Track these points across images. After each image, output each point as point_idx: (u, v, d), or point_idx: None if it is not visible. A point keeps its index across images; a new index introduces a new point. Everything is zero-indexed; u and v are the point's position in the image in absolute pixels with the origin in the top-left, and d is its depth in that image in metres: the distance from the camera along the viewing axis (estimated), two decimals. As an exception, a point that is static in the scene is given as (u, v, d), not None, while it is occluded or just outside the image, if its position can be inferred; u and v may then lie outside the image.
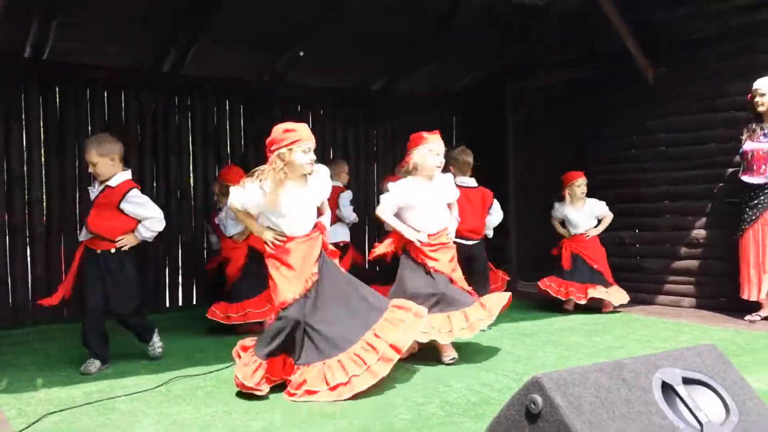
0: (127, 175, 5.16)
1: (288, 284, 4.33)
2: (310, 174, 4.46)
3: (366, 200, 9.26)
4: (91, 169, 5.05)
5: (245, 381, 4.16)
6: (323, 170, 4.62)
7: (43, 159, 7.34)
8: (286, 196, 4.35)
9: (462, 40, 8.40)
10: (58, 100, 7.39)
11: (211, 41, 7.43)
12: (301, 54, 7.95)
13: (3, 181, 7.07)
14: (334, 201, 7.41)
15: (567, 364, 4.86)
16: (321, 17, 7.39)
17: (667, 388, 2.62)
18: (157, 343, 5.35)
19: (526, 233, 9.36)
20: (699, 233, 7.43)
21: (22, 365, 5.19)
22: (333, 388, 4.12)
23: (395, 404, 4.05)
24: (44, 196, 7.24)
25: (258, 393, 4.17)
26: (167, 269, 8.09)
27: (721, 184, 7.22)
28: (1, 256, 7.07)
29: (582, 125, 8.67)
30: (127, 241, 5.05)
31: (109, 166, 5.03)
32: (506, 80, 9.41)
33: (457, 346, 5.21)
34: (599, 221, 7.68)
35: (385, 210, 5.24)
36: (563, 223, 7.77)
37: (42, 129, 7.31)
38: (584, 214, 7.63)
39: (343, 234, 7.64)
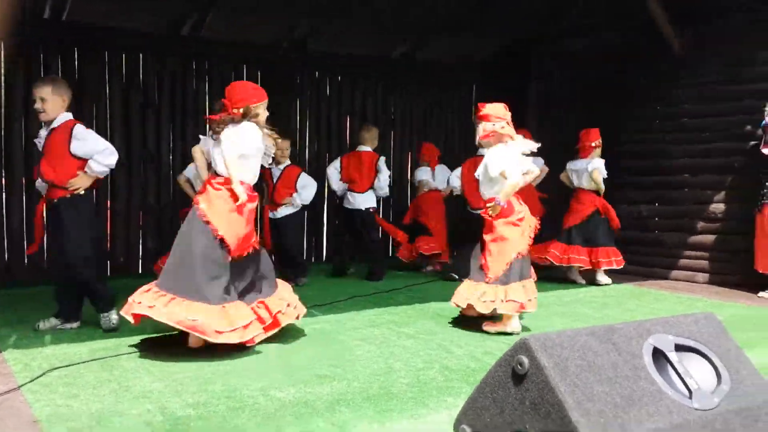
0: (69, 115, 4.89)
1: None
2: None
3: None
4: (38, 105, 4.74)
5: None
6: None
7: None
8: None
9: (482, 8, 8.26)
10: (76, 61, 7.41)
11: (230, 7, 7.41)
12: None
13: (21, 142, 7.14)
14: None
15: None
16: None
17: (658, 354, 2.59)
18: (113, 316, 4.97)
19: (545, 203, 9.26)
20: (718, 207, 7.30)
21: (33, 322, 5.22)
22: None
23: (395, 369, 4.05)
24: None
25: None
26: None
27: (740, 157, 7.08)
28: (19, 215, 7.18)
29: (606, 94, 8.49)
30: (79, 183, 4.80)
31: (58, 106, 4.81)
32: (529, 48, 9.27)
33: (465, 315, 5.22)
34: None
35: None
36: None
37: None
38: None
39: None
